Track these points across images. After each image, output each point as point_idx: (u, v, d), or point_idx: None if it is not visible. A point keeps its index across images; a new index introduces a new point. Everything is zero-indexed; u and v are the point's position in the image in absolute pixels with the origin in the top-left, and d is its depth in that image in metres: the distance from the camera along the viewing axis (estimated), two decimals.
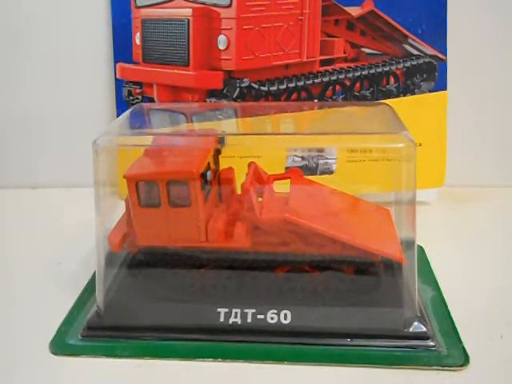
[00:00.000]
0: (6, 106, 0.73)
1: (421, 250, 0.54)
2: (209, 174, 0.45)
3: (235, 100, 0.63)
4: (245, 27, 0.62)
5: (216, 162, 0.49)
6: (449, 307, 0.45)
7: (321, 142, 0.50)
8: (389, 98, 0.66)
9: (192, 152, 0.46)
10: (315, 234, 0.44)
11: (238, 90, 0.63)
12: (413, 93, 0.66)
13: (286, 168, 0.64)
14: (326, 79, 0.66)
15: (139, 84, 0.67)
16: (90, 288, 0.49)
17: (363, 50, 0.67)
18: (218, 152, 0.49)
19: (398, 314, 0.42)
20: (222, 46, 0.62)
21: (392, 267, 0.45)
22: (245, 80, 0.63)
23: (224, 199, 0.50)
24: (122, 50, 0.68)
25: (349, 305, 0.43)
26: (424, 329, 0.41)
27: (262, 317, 0.42)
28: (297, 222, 0.44)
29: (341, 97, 0.67)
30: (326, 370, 0.39)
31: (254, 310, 0.42)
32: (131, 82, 0.68)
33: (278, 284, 0.45)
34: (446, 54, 0.65)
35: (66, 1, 0.69)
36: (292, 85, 0.65)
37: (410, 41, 0.65)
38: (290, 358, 0.40)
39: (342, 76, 0.66)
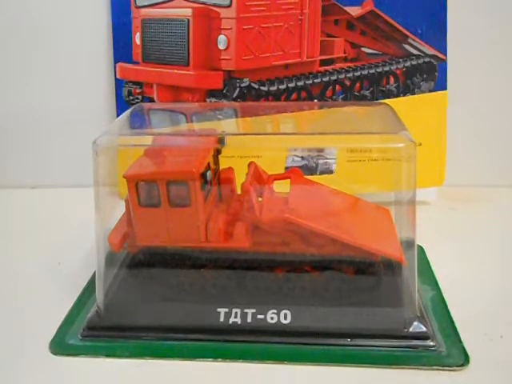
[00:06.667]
0: (6, 105, 0.73)
1: (421, 250, 0.54)
2: (209, 173, 0.45)
3: (235, 100, 0.63)
4: (245, 27, 0.62)
5: (216, 162, 0.49)
6: (449, 307, 0.45)
7: (321, 142, 0.50)
8: (389, 97, 0.66)
9: (192, 152, 0.46)
10: (315, 233, 0.44)
11: (238, 89, 0.63)
12: (413, 93, 0.66)
13: (286, 168, 0.64)
14: (326, 79, 0.66)
15: (139, 84, 0.67)
16: (90, 288, 0.49)
17: (363, 49, 0.67)
18: (218, 152, 0.49)
19: (397, 313, 0.42)
20: (222, 46, 0.62)
21: (392, 267, 0.45)
22: (245, 80, 0.63)
23: (224, 199, 0.50)
24: (122, 50, 0.68)
25: (349, 305, 0.43)
26: (424, 329, 0.41)
27: (261, 317, 0.42)
28: (297, 222, 0.44)
29: (341, 97, 0.67)
30: (325, 369, 0.39)
31: (254, 310, 0.42)
32: (131, 81, 0.68)
33: (277, 284, 0.45)
34: (446, 54, 0.65)
35: (66, 1, 0.69)
36: (292, 85, 0.65)
37: (410, 41, 0.65)
38: (290, 358, 0.40)
39: (342, 76, 0.66)
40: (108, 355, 0.41)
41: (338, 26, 0.66)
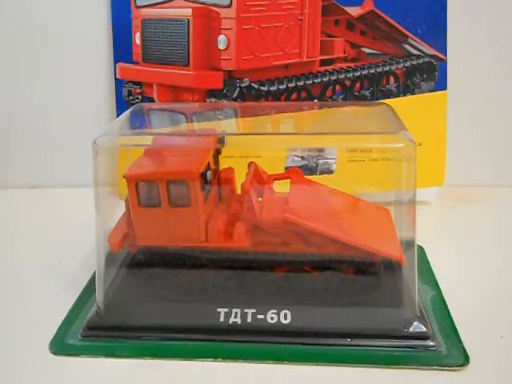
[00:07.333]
0: (6, 105, 0.73)
1: (421, 250, 0.54)
2: (209, 173, 0.45)
3: (235, 100, 0.63)
4: (245, 27, 0.62)
5: (216, 162, 0.49)
6: (449, 307, 0.45)
7: (321, 142, 0.50)
8: (389, 97, 0.66)
9: (192, 152, 0.46)
10: (315, 234, 0.44)
11: (237, 90, 0.63)
12: (413, 93, 0.66)
13: (286, 168, 0.63)
14: (325, 79, 0.66)
15: (139, 84, 0.67)
16: (90, 288, 0.49)
17: (363, 49, 0.67)
18: (218, 152, 0.49)
19: (397, 313, 0.42)
20: (221, 46, 0.62)
21: (392, 267, 0.45)
22: (245, 80, 0.63)
23: (224, 199, 0.50)
24: (122, 49, 0.68)
25: (349, 305, 0.43)
26: (424, 329, 0.41)
27: (261, 317, 0.42)
28: (297, 222, 0.44)
29: (341, 97, 0.67)
30: (325, 369, 0.39)
31: (254, 310, 0.42)
32: (131, 81, 0.68)
33: (277, 284, 0.45)
34: (446, 54, 0.65)
35: (66, 1, 0.69)
36: (292, 85, 0.65)
37: (410, 41, 0.65)
38: (289, 358, 0.40)
39: (341, 76, 0.66)
40: (108, 355, 0.41)
41: (338, 25, 0.66)
